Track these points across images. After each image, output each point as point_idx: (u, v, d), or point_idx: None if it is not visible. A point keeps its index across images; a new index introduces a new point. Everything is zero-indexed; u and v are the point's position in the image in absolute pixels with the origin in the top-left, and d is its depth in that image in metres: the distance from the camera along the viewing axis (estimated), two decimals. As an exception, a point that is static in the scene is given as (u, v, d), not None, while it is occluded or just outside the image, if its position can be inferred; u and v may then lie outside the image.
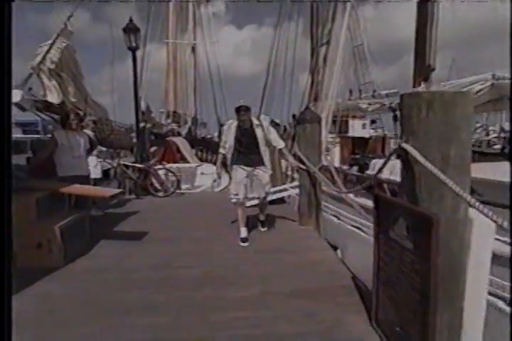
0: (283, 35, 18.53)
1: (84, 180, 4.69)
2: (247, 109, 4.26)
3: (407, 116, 1.83)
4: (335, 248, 5.16)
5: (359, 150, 14.04)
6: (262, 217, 4.85)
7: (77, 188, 3.97)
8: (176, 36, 21.30)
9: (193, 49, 22.00)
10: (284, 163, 7.37)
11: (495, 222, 1.39)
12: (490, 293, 2.58)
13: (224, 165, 4.56)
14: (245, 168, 4.35)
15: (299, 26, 17.52)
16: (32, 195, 3.66)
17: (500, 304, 2.93)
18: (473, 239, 1.86)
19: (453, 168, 1.72)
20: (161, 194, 7.75)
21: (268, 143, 4.38)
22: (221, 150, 4.52)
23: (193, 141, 15.09)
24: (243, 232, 4.40)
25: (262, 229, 4.82)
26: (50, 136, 4.93)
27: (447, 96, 1.69)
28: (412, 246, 1.80)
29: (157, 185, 7.90)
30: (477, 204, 1.49)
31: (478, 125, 18.31)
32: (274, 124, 11.65)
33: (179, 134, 16.23)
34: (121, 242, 4.42)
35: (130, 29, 7.61)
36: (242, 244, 4.26)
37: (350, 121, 15.45)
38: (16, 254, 3.48)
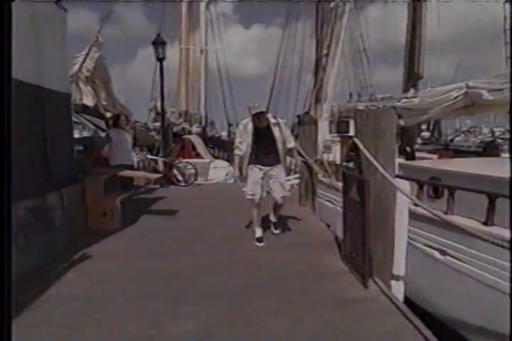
0: (291, 36, 19.52)
1: (129, 168, 5.98)
2: (264, 113, 4.11)
3: (357, 123, 3.08)
4: (328, 226, 6.40)
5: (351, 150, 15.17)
6: (274, 218, 4.65)
7: (131, 173, 5.28)
8: (188, 37, 22.49)
9: (202, 51, 23.19)
10: (288, 158, 8.60)
11: (404, 194, 2.63)
12: (428, 246, 3.80)
13: (240, 167, 4.32)
14: (262, 167, 4.20)
15: (307, 27, 18.53)
16: (100, 178, 4.95)
17: (436, 254, 4.15)
18: (398, 196, 3.10)
19: (381, 154, 2.96)
20: (182, 183, 9.07)
21: (283, 142, 4.23)
22: (238, 152, 4.27)
23: (204, 139, 16.36)
24: (258, 232, 4.35)
25: (275, 232, 4.63)
26: (105, 133, 6.19)
27: (378, 111, 2.94)
28: (358, 199, 3.05)
29: (179, 176, 9.21)
30: (388, 176, 2.73)
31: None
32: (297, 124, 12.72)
33: (190, 133, 17.51)
34: (158, 216, 5.74)
35: (159, 43, 9.01)
36: (257, 243, 4.23)
37: (351, 122, 16.63)
38: (88, 220, 4.82)
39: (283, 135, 4.19)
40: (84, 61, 8.22)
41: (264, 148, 4.18)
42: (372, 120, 2.91)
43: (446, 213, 3.44)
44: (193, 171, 9.47)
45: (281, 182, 4.25)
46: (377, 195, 2.96)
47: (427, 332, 2.34)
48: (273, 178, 4.23)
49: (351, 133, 16.35)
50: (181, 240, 4.48)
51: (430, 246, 3.65)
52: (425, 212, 2.87)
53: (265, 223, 4.65)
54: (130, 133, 6.36)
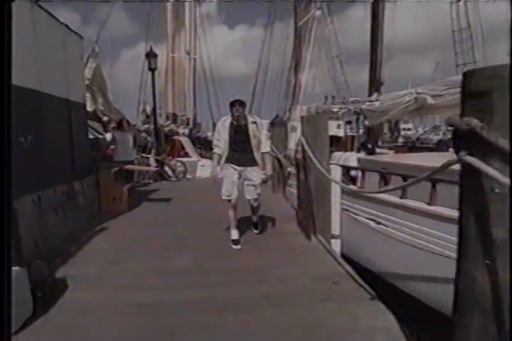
0: (273, 36, 19.43)
1: (131, 163, 7.21)
2: (242, 103, 4.08)
3: (303, 125, 4.40)
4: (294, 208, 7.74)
5: (333, 146, 16.60)
6: (254, 218, 4.71)
7: (134, 167, 6.52)
8: (174, 41, 23.39)
9: (188, 53, 24.19)
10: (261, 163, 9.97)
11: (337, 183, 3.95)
12: (358, 215, 5.09)
13: (218, 165, 4.31)
14: (237, 167, 4.18)
15: (289, 27, 19.11)
16: (110, 170, 6.18)
17: (372, 224, 5.49)
18: (333, 175, 4.42)
19: (318, 147, 4.26)
20: (173, 179, 10.31)
21: (258, 143, 4.18)
22: (216, 150, 4.27)
23: (192, 140, 17.53)
24: (234, 234, 4.30)
25: (256, 231, 4.66)
26: (110, 135, 7.39)
27: (315, 117, 4.26)
28: (304, 179, 4.37)
29: (170, 172, 10.44)
30: (319, 165, 4.05)
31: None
32: (279, 122, 13.81)
33: (177, 134, 18.67)
34: (156, 201, 7.01)
35: (150, 55, 10.32)
36: (233, 246, 4.17)
37: (329, 122, 18.04)
38: (102, 204, 6.03)
39: (258, 136, 4.15)
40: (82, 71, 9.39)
41: (240, 147, 4.14)
42: (312, 123, 4.23)
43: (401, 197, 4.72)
44: (182, 168, 10.72)
45: (255, 184, 4.23)
46: (317, 176, 4.27)
47: (355, 275, 3.37)
48: (247, 180, 4.21)
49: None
50: (177, 216, 5.76)
51: (359, 215, 4.99)
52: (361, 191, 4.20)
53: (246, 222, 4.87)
54: (131, 134, 7.58)
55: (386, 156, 7.74)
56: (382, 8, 11.72)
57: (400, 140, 13.39)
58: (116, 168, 6.29)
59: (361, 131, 12.15)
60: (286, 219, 5.41)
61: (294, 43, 16.26)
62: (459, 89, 5.25)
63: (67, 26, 5.06)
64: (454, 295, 1.45)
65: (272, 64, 19.31)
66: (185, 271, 3.47)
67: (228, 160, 4.20)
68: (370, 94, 11.99)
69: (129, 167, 6.54)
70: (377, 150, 9.77)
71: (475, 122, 1.31)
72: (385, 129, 13.13)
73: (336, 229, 4.53)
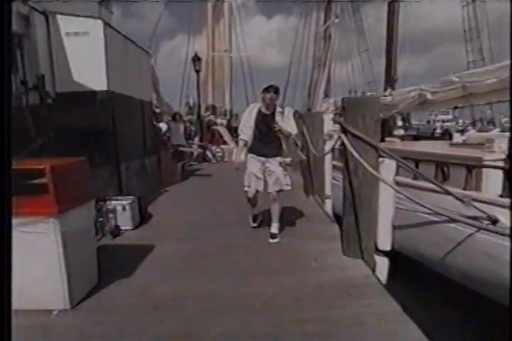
0: (309, 27, 19.59)
1: (182, 146, 9.35)
2: (277, 90, 3.95)
3: (306, 119, 6.28)
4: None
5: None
6: (273, 227, 4.16)
7: (185, 149, 8.66)
8: (214, 32, 25.15)
9: (227, 50, 26.16)
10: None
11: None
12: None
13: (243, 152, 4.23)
14: (260, 158, 4.07)
15: (320, 22, 18.62)
16: (168, 151, 8.33)
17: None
18: (326, 157, 6.27)
19: (314, 136, 6.12)
20: (213, 161, 12.47)
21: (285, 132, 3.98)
22: (243, 136, 4.14)
23: (230, 129, 19.63)
24: (252, 223, 4.54)
25: (271, 241, 4.04)
26: (166, 125, 9.53)
27: (316, 114, 6.12)
28: (306, 159, 6.27)
29: (210, 156, 12.59)
30: (313, 148, 5.91)
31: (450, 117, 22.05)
32: (299, 115, 15.59)
33: (215, 124, 20.82)
34: (201, 176, 9.18)
35: (195, 59, 12.48)
36: (253, 224, 4.53)
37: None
38: (162, 176, 8.19)
39: (285, 124, 3.95)
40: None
41: (264, 135, 4.01)
42: (310, 117, 6.10)
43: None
44: (221, 153, 12.84)
45: (278, 175, 4.00)
46: (315, 156, 6.13)
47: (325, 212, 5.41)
48: (269, 172, 4.03)
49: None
50: (215, 186, 7.86)
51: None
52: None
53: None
54: (182, 124, 9.72)
55: (391, 143, 9.40)
56: (398, 7, 12.96)
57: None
58: (172, 150, 8.43)
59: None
60: (300, 189, 7.32)
61: (324, 38, 17.74)
62: (450, 87, 7.50)
63: (142, 48, 7.17)
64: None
65: (305, 54, 19.73)
66: (223, 213, 5.52)
67: (251, 150, 4.12)
68: (385, 90, 13.53)
69: (181, 149, 8.67)
70: (387, 138, 11.37)
71: (341, 120, 3.21)
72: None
73: (328, 191, 6.38)
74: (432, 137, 12.46)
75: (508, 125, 13.56)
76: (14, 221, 2.32)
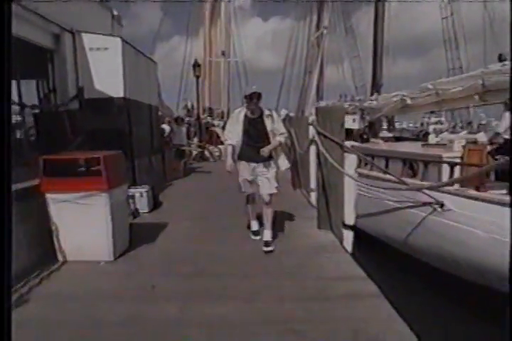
0: (300, 32, 20.47)
1: (183, 145, 10.29)
2: (260, 96, 3.86)
3: (294, 121, 7.24)
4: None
5: (348, 137, 19.14)
6: (266, 235, 4.08)
7: (185, 148, 9.61)
8: (210, 34, 25.87)
9: (223, 53, 27.00)
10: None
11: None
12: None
13: (233, 158, 4.14)
14: (250, 163, 4.02)
15: (313, 26, 19.53)
16: (171, 150, 9.28)
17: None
18: (310, 152, 7.24)
19: (300, 136, 7.09)
20: (211, 160, 13.43)
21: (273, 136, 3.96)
22: (229, 142, 4.08)
23: (226, 130, 20.55)
24: (254, 225, 4.41)
25: (265, 249, 3.90)
26: (169, 127, 10.47)
27: (301, 118, 7.08)
28: (292, 154, 7.24)
29: (209, 155, 13.54)
30: (298, 147, 6.89)
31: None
32: (289, 119, 16.47)
33: (213, 126, 21.75)
34: (201, 173, 10.13)
35: (195, 65, 13.46)
36: (253, 237, 4.31)
37: (346, 117, 20.52)
38: (166, 172, 9.14)
39: (274, 127, 3.95)
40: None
41: (253, 140, 3.95)
42: (297, 120, 7.05)
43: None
44: (218, 153, 13.80)
45: (269, 177, 4.00)
46: (300, 154, 7.08)
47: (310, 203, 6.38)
48: (260, 174, 4.01)
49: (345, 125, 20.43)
50: (214, 182, 8.80)
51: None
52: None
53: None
54: (184, 127, 10.69)
55: (374, 144, 10.37)
56: (382, 9, 13.58)
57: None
58: (174, 149, 9.38)
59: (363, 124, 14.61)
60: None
61: (317, 45, 18.69)
62: (426, 93, 8.79)
63: (150, 58, 8.12)
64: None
65: (300, 57, 20.40)
66: (222, 201, 6.48)
67: (241, 157, 4.05)
68: (371, 94, 14.52)
69: (182, 148, 9.63)
70: (372, 139, 12.32)
71: (314, 123, 4.18)
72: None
73: (313, 185, 7.33)
74: (416, 139, 13.40)
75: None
76: (77, 195, 3.37)
